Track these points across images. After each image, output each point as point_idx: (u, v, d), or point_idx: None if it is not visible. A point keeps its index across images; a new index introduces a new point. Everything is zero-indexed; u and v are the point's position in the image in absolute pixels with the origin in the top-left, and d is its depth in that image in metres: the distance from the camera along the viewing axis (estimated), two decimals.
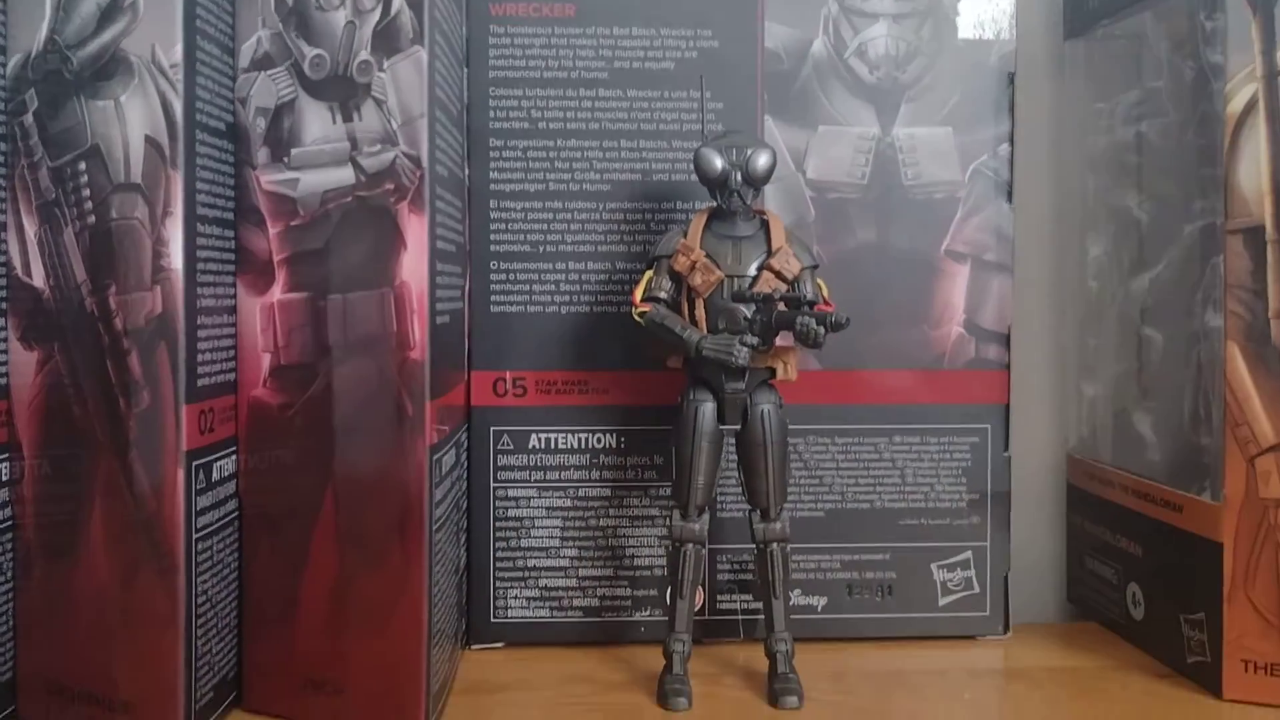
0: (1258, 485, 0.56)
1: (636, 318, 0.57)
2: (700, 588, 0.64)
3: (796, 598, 0.66)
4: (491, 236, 0.65)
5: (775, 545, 0.58)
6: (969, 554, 0.67)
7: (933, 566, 0.67)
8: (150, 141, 0.49)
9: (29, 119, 0.50)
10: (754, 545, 0.58)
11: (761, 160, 0.56)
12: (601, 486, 0.66)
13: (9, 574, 0.52)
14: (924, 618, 0.67)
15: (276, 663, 0.54)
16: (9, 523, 0.52)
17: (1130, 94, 0.67)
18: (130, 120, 0.49)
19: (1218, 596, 0.57)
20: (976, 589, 0.67)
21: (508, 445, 0.65)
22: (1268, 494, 0.56)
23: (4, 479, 0.52)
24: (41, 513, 0.52)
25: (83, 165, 0.50)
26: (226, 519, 0.53)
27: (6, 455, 0.52)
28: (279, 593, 0.53)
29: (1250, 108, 0.56)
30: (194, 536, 0.50)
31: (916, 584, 0.67)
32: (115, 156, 0.49)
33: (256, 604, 0.54)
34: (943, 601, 0.67)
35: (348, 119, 0.51)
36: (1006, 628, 0.67)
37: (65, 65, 0.50)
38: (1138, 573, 0.66)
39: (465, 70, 0.64)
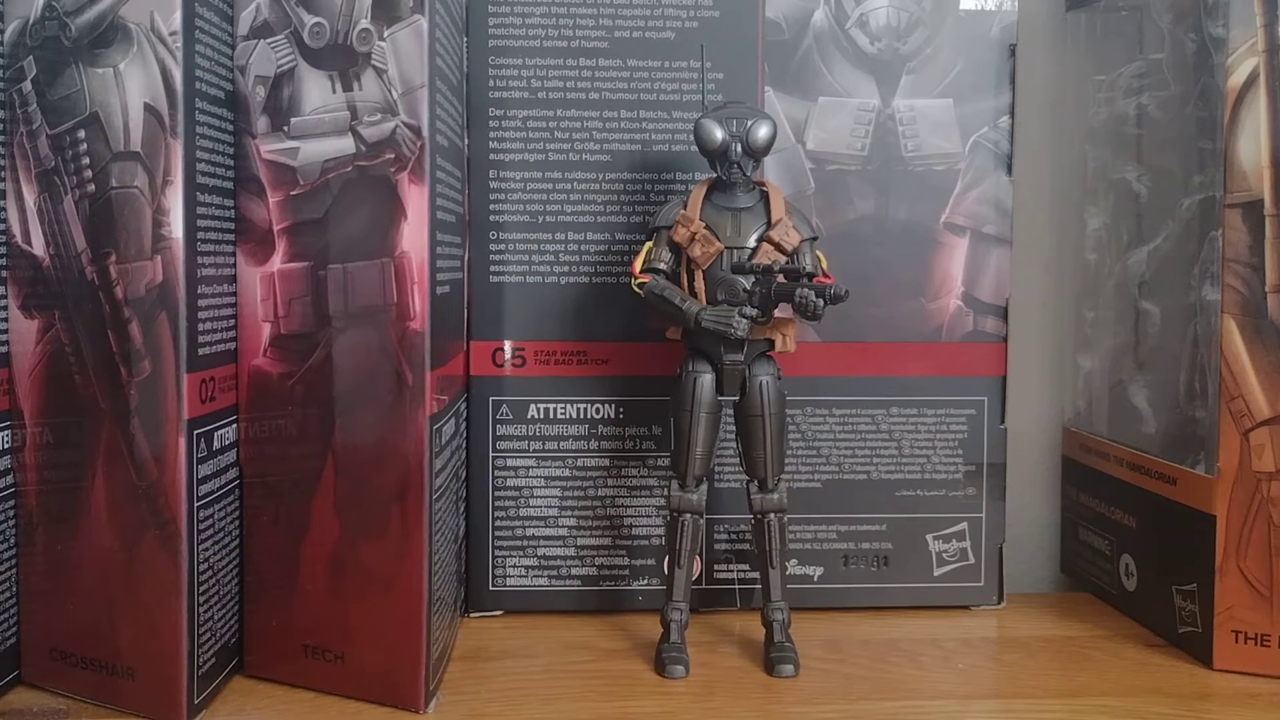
0: (1251, 458, 0.57)
1: (636, 288, 0.57)
2: (698, 557, 0.65)
3: (793, 567, 0.67)
4: (491, 207, 0.65)
5: (772, 516, 0.58)
6: (964, 525, 0.67)
7: (928, 537, 0.67)
8: (150, 109, 0.49)
9: (27, 86, 0.50)
10: (751, 515, 0.59)
11: (762, 131, 0.56)
12: (600, 457, 0.66)
13: (11, 541, 0.53)
14: (919, 588, 0.67)
15: (277, 629, 0.54)
16: (11, 490, 0.53)
17: (1131, 66, 0.67)
18: (129, 88, 0.49)
19: (1210, 568, 0.58)
20: (971, 560, 0.67)
21: (507, 415, 0.65)
22: (1261, 467, 0.56)
23: (6, 447, 0.52)
24: (43, 480, 0.52)
25: (82, 133, 0.50)
26: (227, 487, 0.53)
27: (8, 423, 0.52)
28: (280, 560, 0.54)
29: (1251, 81, 0.56)
30: (195, 504, 0.51)
31: (912, 554, 0.67)
32: (114, 124, 0.49)
33: (257, 571, 0.55)
34: (938, 572, 0.67)
35: (348, 88, 0.51)
36: (1000, 598, 0.68)
37: (64, 32, 0.50)
38: (1131, 544, 0.66)
39: (465, 39, 0.63)
